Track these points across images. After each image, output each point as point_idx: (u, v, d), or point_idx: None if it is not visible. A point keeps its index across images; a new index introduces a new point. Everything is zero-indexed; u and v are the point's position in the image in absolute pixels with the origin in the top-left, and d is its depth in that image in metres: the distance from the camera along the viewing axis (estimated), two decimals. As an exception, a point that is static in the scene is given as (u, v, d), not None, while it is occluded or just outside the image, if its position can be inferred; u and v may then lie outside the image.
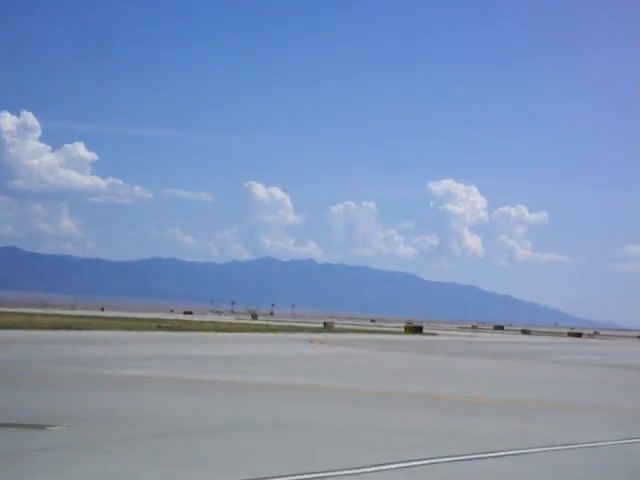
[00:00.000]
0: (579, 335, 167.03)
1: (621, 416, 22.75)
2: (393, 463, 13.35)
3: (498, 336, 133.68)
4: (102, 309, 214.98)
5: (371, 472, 12.69)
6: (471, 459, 14.22)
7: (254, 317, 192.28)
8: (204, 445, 14.54)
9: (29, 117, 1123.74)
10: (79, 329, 68.00)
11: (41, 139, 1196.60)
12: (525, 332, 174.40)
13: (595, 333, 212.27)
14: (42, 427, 15.72)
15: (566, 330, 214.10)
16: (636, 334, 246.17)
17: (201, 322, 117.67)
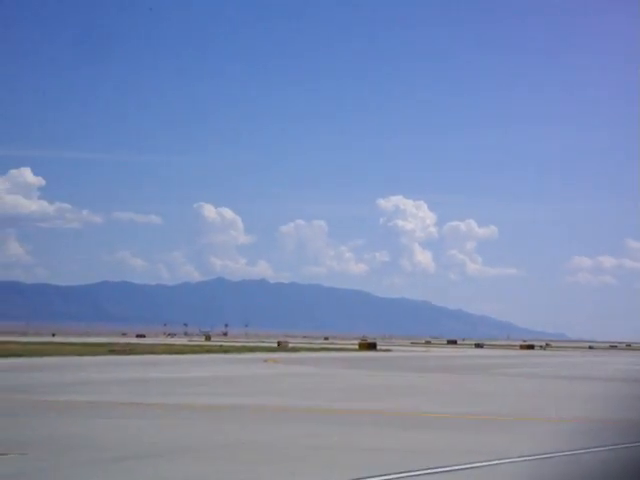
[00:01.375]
0: (531, 347, 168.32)
1: (573, 426, 22.94)
2: (348, 481, 13.35)
3: (451, 351, 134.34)
4: (53, 335, 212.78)
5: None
6: (422, 474, 14.25)
7: (207, 338, 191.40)
8: (156, 469, 14.44)
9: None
10: (30, 356, 67.24)
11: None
12: (478, 346, 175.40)
13: (547, 345, 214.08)
14: (-7, 456, 15.51)
15: (518, 343, 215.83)
16: (587, 345, 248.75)
17: (154, 345, 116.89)
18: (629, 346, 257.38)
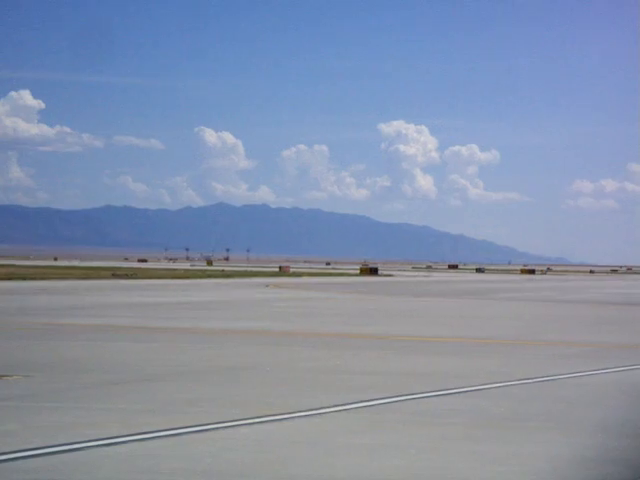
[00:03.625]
0: (532, 272, 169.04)
1: (574, 350, 23.05)
2: (353, 403, 13.44)
3: (452, 275, 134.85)
4: (55, 259, 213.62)
5: (332, 412, 12.77)
6: (429, 397, 14.34)
7: (209, 263, 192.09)
8: (163, 391, 14.52)
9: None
10: (33, 279, 67.52)
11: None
12: (479, 270, 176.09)
13: (548, 269, 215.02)
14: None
15: (519, 267, 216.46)
16: (588, 269, 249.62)
17: (156, 269, 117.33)
18: (630, 269, 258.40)
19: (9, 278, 67.38)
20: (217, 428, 11.46)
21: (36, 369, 16.87)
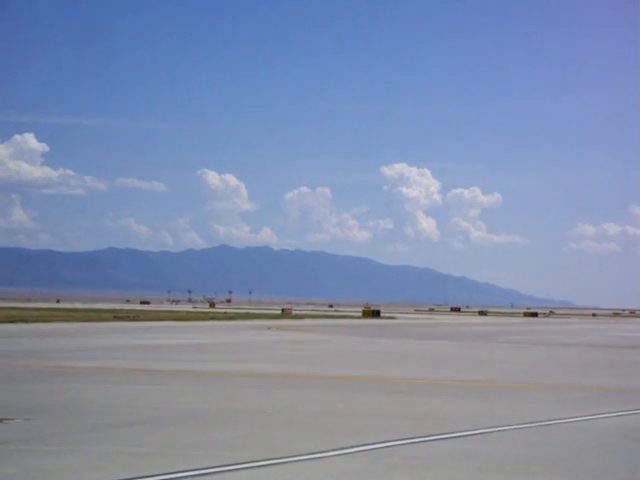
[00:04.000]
0: (535, 315, 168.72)
1: (577, 394, 22.99)
2: (353, 447, 13.40)
3: (455, 318, 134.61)
4: (58, 301, 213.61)
5: (331, 456, 12.74)
6: (430, 440, 14.30)
7: (212, 305, 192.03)
8: (165, 435, 14.50)
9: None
10: (35, 322, 67.44)
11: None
12: (482, 313, 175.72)
13: (551, 312, 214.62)
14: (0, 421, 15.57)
15: (522, 310, 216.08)
16: (591, 312, 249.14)
17: (158, 311, 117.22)
18: (633, 313, 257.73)
19: (10, 321, 67.27)
20: (218, 472, 11.43)
21: (37, 412, 16.83)
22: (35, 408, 17.44)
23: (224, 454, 12.63)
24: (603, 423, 17.25)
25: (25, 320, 68.83)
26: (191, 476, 11.09)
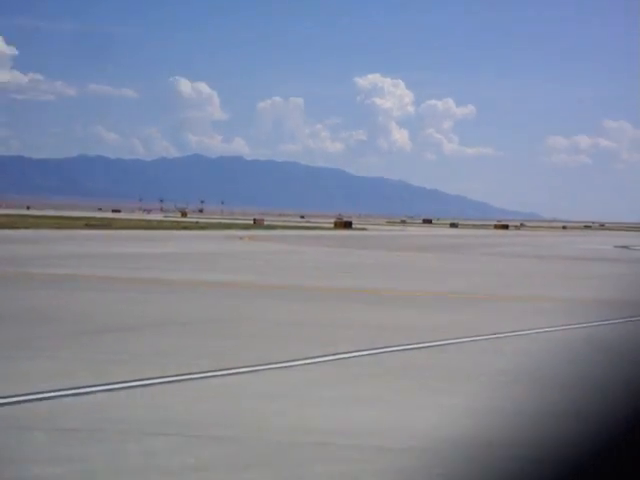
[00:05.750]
0: (506, 227, 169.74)
1: (545, 305, 23.21)
2: (325, 355, 13.47)
3: (427, 230, 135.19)
4: (28, 208, 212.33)
5: (300, 365, 12.79)
6: (400, 350, 14.39)
7: (183, 215, 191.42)
8: (133, 342, 14.49)
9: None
10: (4, 228, 67.03)
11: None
12: (453, 225, 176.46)
13: (521, 225, 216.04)
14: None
15: (493, 222, 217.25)
16: (561, 225, 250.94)
17: (129, 220, 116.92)
18: (602, 226, 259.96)
19: (-20, 227, 66.77)
20: (188, 379, 11.45)
21: (3, 318, 16.77)
22: (3, 314, 17.36)
23: (193, 362, 12.65)
24: (570, 334, 17.44)
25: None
26: (160, 383, 11.11)
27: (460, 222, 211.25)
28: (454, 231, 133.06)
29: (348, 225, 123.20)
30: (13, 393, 10.19)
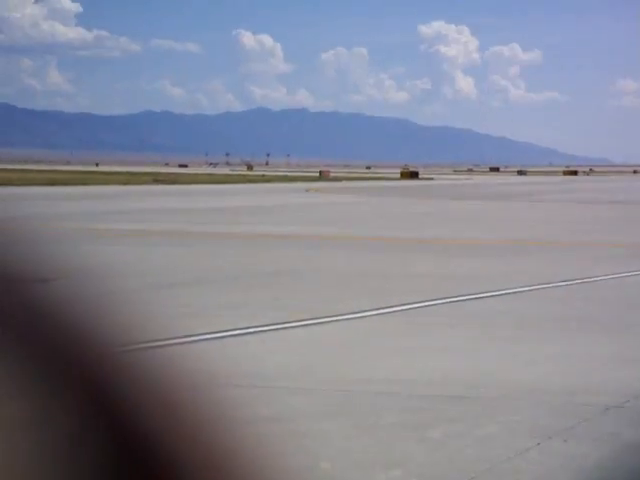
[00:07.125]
0: (575, 173, 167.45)
1: (619, 250, 22.88)
2: (394, 306, 13.46)
3: (494, 178, 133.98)
4: (97, 164, 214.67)
5: (371, 316, 12.80)
6: (470, 299, 14.32)
7: (249, 168, 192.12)
8: (205, 295, 14.62)
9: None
10: (75, 184, 67.84)
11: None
12: (521, 173, 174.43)
13: (591, 170, 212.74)
14: (44, 281, 15.74)
15: (561, 169, 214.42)
16: (631, 169, 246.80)
17: (197, 174, 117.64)
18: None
19: (51, 183, 67.69)
20: (259, 332, 11.53)
21: (72, 274, 16.98)
22: (70, 270, 17.56)
23: (265, 314, 12.72)
24: (636, 280, 17.17)
25: (64, 183, 69.20)
26: (233, 335, 11.20)
27: (528, 169, 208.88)
28: (522, 178, 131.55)
29: (415, 175, 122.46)
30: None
